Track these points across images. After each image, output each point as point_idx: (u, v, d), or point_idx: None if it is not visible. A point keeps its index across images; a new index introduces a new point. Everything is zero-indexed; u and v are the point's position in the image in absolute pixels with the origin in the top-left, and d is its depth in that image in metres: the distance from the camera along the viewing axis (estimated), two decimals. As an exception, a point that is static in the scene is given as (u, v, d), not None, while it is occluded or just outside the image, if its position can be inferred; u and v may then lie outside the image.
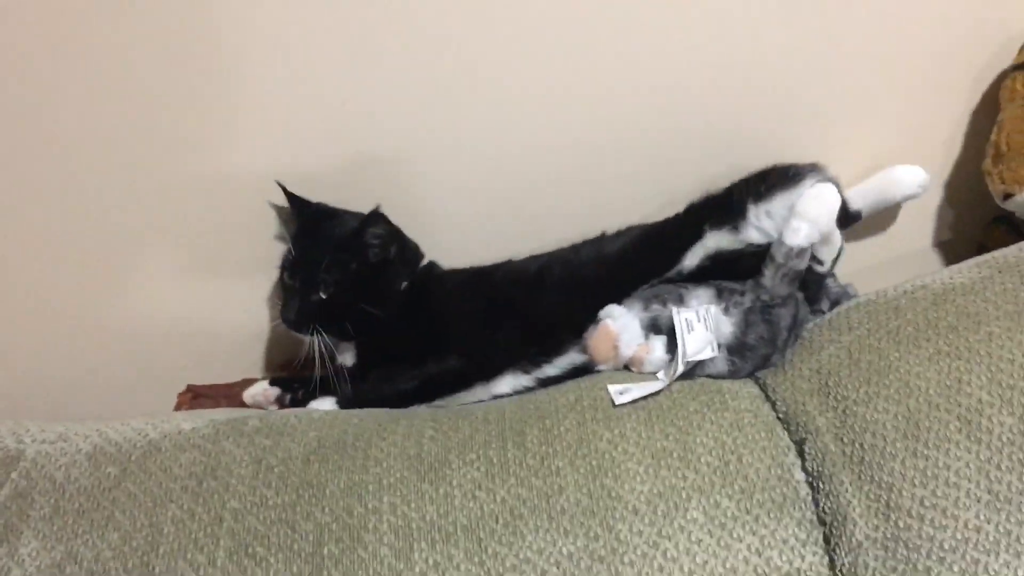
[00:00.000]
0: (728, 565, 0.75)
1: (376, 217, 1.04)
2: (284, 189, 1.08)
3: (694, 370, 0.94)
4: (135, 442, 0.91)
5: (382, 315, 1.05)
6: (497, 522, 0.79)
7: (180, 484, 0.85)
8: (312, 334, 1.03)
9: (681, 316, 0.95)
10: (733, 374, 0.96)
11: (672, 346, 0.95)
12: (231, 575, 0.78)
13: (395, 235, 1.08)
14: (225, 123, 1.07)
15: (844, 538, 0.77)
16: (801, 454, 0.85)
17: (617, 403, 0.88)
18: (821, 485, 0.82)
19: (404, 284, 1.09)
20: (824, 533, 0.79)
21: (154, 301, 1.16)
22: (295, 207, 1.09)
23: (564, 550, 0.76)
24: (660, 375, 0.94)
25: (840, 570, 0.76)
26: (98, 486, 0.86)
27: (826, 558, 0.77)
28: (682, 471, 0.82)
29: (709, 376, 0.95)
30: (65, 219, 1.09)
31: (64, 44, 1.00)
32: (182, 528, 0.82)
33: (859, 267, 1.15)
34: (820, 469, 0.83)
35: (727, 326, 0.96)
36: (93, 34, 1.00)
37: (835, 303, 1.03)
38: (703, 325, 0.95)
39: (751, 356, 0.95)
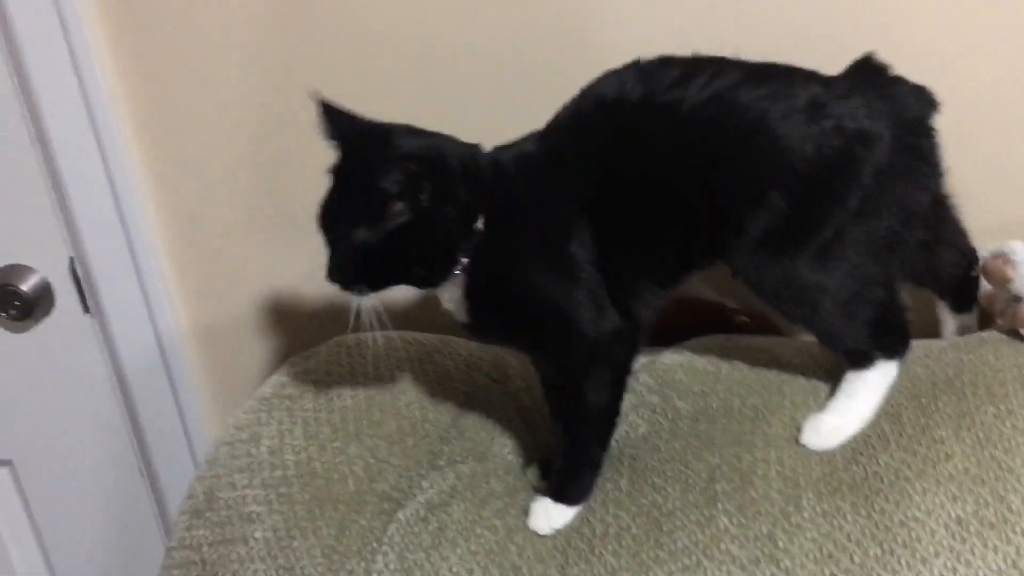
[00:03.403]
0: None
1: (391, 164, 0.80)
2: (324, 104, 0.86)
3: None
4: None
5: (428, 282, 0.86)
6: (882, 482, 0.85)
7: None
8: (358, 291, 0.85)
9: None
10: None
11: None
12: (635, 498, 0.91)
13: (418, 180, 0.81)
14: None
15: None
16: None
17: None
18: None
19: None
20: None
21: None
22: (334, 133, 0.86)
23: (953, 514, 0.80)
24: None
25: None
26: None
27: None
28: (1082, 451, 0.82)
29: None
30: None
31: None
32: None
33: None
34: None
35: None
36: None
37: None
38: None
39: None
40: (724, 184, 0.86)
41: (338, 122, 0.86)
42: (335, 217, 0.84)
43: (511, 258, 0.87)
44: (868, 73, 0.88)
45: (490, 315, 0.88)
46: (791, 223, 0.85)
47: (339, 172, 0.85)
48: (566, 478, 0.92)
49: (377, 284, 0.85)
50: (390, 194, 0.80)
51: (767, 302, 0.90)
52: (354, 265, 0.84)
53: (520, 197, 0.87)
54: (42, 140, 1.21)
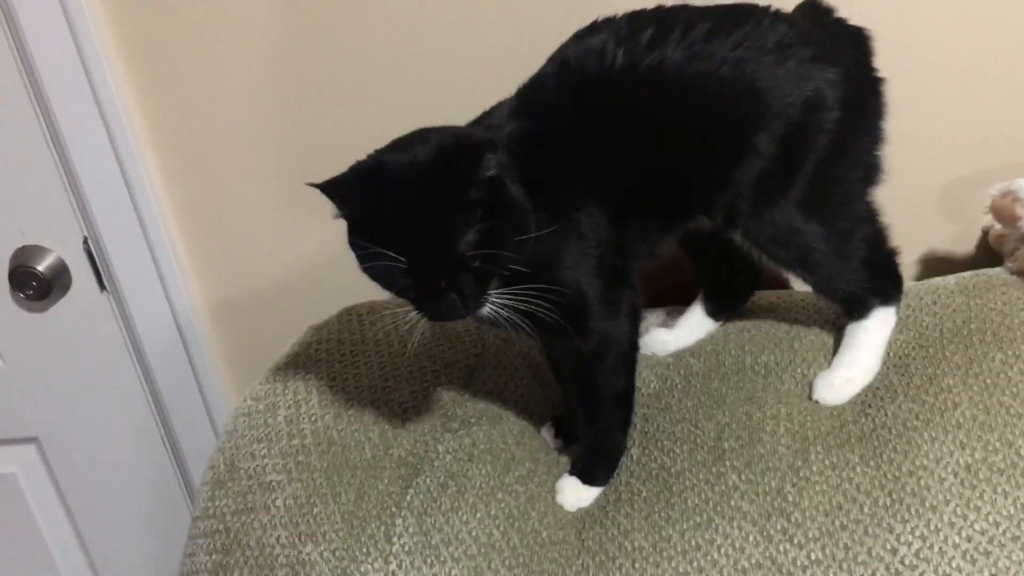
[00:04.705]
0: None
1: (484, 146, 0.77)
2: (322, 188, 0.78)
3: None
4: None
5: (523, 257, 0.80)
6: (890, 433, 0.86)
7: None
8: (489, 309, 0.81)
9: None
10: None
11: None
12: (644, 463, 0.93)
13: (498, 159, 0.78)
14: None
15: None
16: None
17: None
18: None
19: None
20: None
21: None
22: (353, 196, 0.78)
23: (962, 461, 0.81)
24: None
25: None
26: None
27: None
28: (1089, 395, 0.82)
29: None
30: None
31: None
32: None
33: None
34: None
35: None
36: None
37: None
38: None
39: None
40: (717, 138, 0.87)
41: (352, 184, 0.78)
42: (427, 264, 0.77)
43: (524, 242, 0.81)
44: (815, 14, 0.93)
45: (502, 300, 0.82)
46: (779, 165, 0.87)
47: (391, 225, 0.77)
48: (593, 462, 0.94)
49: (490, 285, 0.80)
50: (481, 180, 0.75)
51: (763, 252, 0.92)
52: (471, 283, 0.78)
53: (532, 179, 0.82)
54: (50, 122, 1.22)
